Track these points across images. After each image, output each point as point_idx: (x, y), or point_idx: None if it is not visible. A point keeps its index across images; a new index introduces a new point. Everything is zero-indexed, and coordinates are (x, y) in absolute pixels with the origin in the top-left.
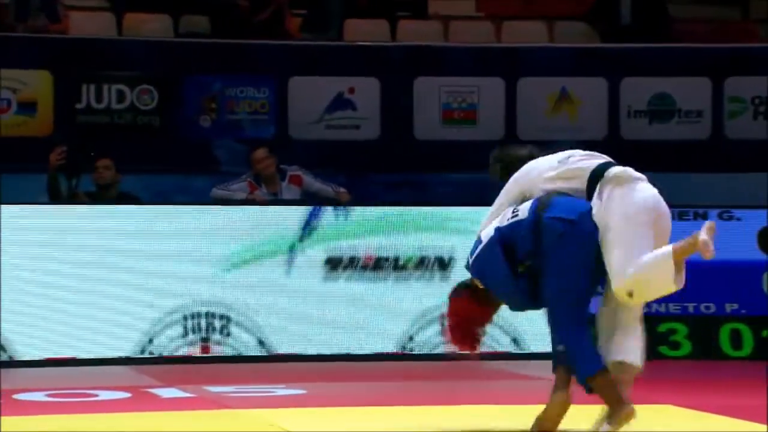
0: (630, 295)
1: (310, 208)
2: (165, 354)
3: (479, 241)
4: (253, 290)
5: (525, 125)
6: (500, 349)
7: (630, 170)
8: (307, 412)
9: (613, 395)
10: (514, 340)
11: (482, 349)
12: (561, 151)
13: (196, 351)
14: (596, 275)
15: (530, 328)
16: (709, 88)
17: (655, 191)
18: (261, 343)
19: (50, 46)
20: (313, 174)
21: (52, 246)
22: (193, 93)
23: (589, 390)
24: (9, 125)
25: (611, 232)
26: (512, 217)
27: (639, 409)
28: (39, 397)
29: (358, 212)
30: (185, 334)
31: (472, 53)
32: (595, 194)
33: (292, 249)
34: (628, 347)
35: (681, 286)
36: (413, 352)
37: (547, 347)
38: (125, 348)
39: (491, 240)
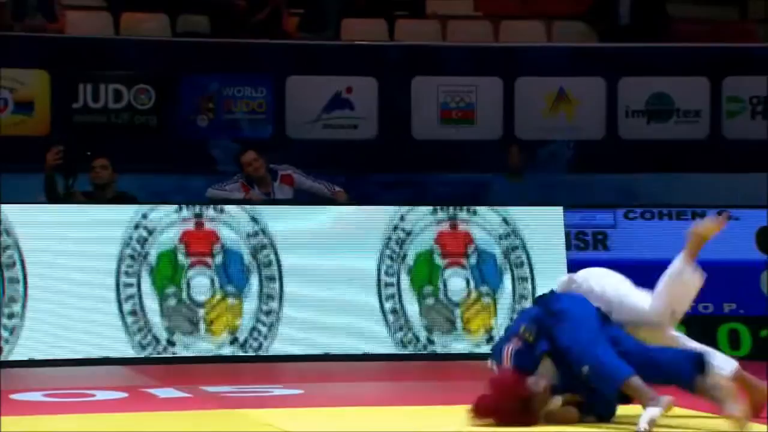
0: (674, 314)
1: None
2: (162, 354)
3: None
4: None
5: (523, 125)
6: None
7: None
8: (305, 412)
9: (647, 394)
10: None
11: None
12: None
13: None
14: (604, 320)
15: None
16: (707, 87)
17: None
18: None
19: (47, 46)
20: (310, 173)
21: (49, 245)
22: (190, 92)
23: (624, 399)
24: (6, 124)
25: (608, 290)
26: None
27: (636, 410)
28: (36, 397)
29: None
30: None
31: (469, 53)
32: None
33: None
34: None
35: (702, 275)
36: (412, 353)
37: None
38: (122, 348)
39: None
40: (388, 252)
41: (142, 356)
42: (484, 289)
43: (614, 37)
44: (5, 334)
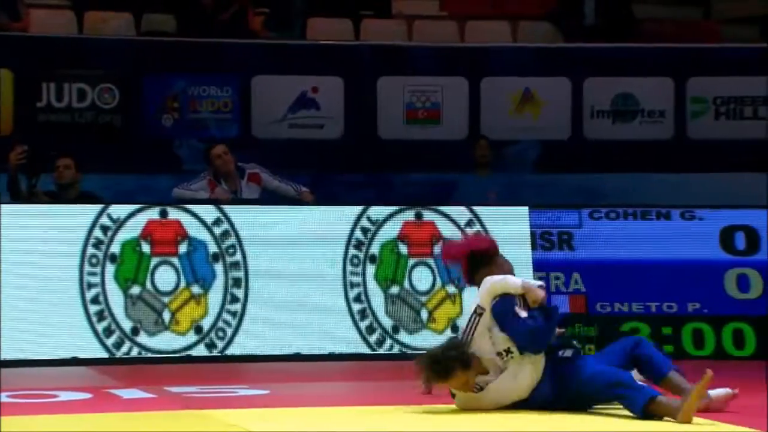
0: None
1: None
2: (128, 353)
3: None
4: None
5: (488, 125)
6: None
7: None
8: (271, 412)
9: (671, 405)
10: None
11: None
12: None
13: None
14: None
15: None
16: (671, 88)
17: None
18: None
19: (11, 45)
20: (276, 173)
21: (11, 245)
22: (156, 92)
23: (649, 416)
24: None
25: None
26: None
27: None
28: (1, 398)
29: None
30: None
31: (435, 53)
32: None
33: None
34: None
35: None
36: (380, 352)
37: None
38: (87, 347)
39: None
40: (353, 252)
41: (107, 356)
42: (451, 289)
43: (579, 37)
44: None
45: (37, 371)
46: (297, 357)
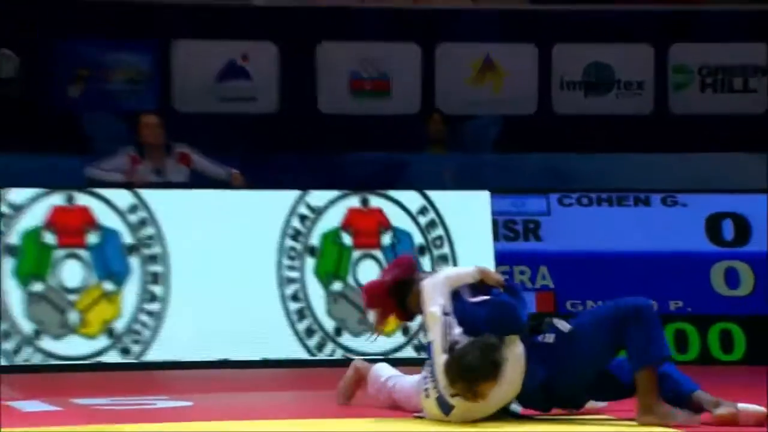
0: None
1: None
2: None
3: None
4: None
5: (444, 97)
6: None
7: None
8: (193, 427)
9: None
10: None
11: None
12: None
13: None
14: None
15: None
16: (651, 56)
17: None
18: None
19: None
20: (199, 153)
21: None
22: (61, 59)
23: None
24: None
25: None
26: None
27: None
28: None
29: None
30: None
31: (384, 15)
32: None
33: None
34: None
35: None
36: (320, 357)
37: None
38: None
39: None
40: (290, 243)
41: (5, 364)
42: None
43: None
44: None
45: None
46: (225, 364)
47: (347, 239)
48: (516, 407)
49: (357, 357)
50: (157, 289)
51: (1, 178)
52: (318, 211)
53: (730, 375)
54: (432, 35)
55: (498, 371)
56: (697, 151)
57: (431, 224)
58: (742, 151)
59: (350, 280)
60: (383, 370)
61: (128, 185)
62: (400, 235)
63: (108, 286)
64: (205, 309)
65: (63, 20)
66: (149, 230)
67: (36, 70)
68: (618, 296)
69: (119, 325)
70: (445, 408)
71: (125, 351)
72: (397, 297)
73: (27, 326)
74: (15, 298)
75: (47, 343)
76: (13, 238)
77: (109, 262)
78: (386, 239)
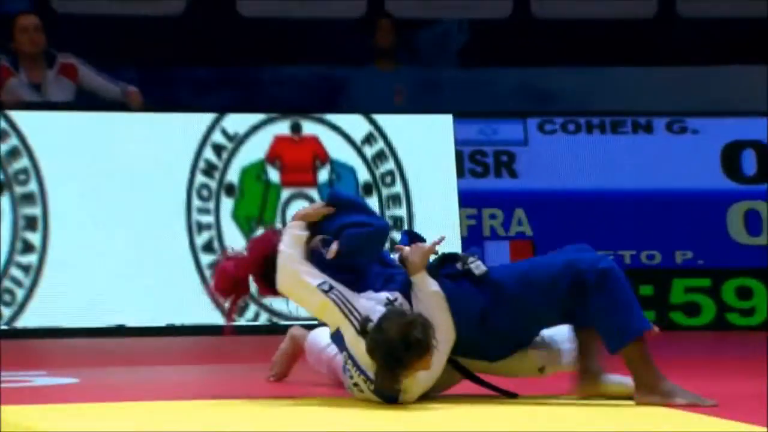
0: None
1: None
2: None
3: None
4: None
5: None
6: None
7: None
8: (76, 409)
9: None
10: None
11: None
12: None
13: None
14: None
15: None
16: None
17: None
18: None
19: None
20: (92, 67)
21: None
22: None
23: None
24: None
25: None
26: None
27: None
28: None
29: None
30: None
31: None
32: None
33: None
34: None
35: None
36: (240, 323)
37: None
38: None
39: None
40: (202, 180)
41: None
42: None
43: None
44: None
45: None
46: (120, 331)
47: (274, 175)
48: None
49: (287, 322)
50: (32, 237)
51: None
52: (237, 140)
53: (750, 343)
54: None
55: (430, 339)
56: (712, 64)
57: (380, 156)
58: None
59: (278, 226)
60: (322, 335)
61: None
62: (340, 169)
63: None
64: (94, 262)
65: None
66: (22, 162)
67: None
68: (613, 246)
69: None
70: (391, 398)
71: None
72: (263, 274)
73: None
74: None
75: None
76: None
77: None
78: (323, 175)
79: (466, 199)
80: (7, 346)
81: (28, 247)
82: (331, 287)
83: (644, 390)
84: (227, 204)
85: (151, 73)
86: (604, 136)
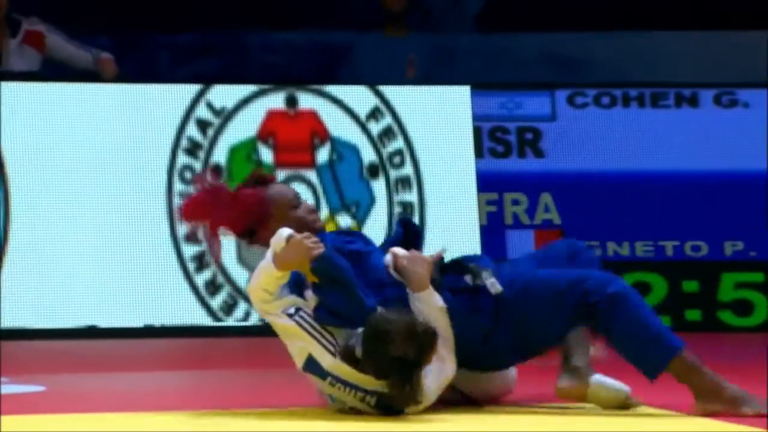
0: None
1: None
2: None
3: None
4: None
5: None
6: None
7: None
8: (45, 421)
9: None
10: None
11: None
12: None
13: None
14: None
15: None
16: None
17: None
18: None
19: None
20: (63, 33)
21: None
22: None
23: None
24: None
25: None
26: None
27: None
28: None
29: None
30: None
31: None
32: None
33: None
34: None
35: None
36: (228, 323)
37: None
38: None
39: None
40: (185, 160)
41: None
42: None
43: None
44: None
45: None
46: (91, 333)
47: (267, 155)
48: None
49: None
50: None
51: None
52: (224, 115)
53: None
54: None
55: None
56: (764, 27)
57: (387, 133)
58: None
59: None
60: None
61: None
62: (341, 149)
63: None
64: (62, 255)
65: None
66: None
67: None
68: (653, 236)
69: None
70: (395, 409)
71: None
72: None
73: None
74: None
75: None
76: None
77: None
78: (323, 155)
79: (485, 182)
80: None
81: None
82: (297, 310)
83: (705, 397)
84: None
85: (127, 39)
86: (643, 111)
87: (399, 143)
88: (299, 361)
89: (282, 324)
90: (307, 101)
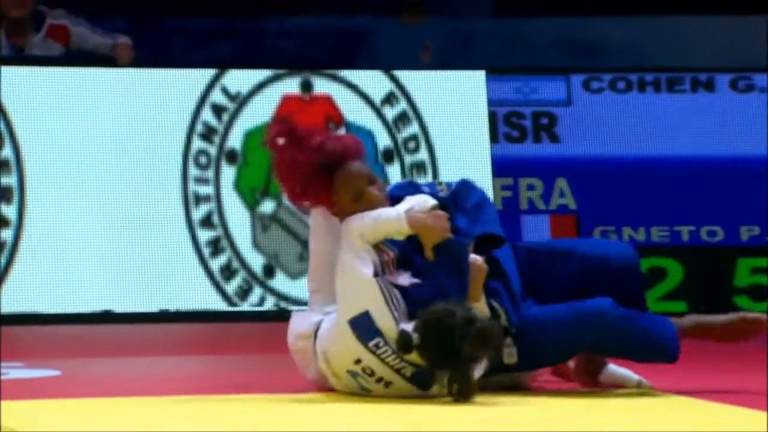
0: None
1: None
2: None
3: None
4: None
5: None
6: None
7: None
8: (61, 406)
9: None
10: None
11: None
12: None
13: None
14: None
15: None
16: None
17: None
18: None
19: None
20: (85, 21)
21: None
22: None
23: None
24: None
25: None
26: None
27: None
28: None
29: None
30: None
31: None
32: None
33: None
34: None
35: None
36: (243, 308)
37: None
38: None
39: None
40: (200, 145)
41: None
42: None
43: None
44: None
45: None
46: (107, 317)
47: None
48: None
49: (297, 308)
50: (6, 211)
51: None
52: (239, 100)
53: None
54: None
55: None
56: None
57: (402, 118)
58: None
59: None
60: (306, 323)
61: None
62: (356, 133)
63: None
64: (78, 240)
65: None
66: None
67: None
68: (669, 221)
69: None
70: (426, 383)
71: None
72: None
73: None
74: None
75: None
76: None
77: None
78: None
79: (500, 167)
80: None
81: (1, 222)
82: (377, 273)
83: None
84: (228, 173)
85: (142, 23)
86: (659, 95)
87: (414, 128)
88: (349, 312)
89: (357, 268)
90: (322, 86)
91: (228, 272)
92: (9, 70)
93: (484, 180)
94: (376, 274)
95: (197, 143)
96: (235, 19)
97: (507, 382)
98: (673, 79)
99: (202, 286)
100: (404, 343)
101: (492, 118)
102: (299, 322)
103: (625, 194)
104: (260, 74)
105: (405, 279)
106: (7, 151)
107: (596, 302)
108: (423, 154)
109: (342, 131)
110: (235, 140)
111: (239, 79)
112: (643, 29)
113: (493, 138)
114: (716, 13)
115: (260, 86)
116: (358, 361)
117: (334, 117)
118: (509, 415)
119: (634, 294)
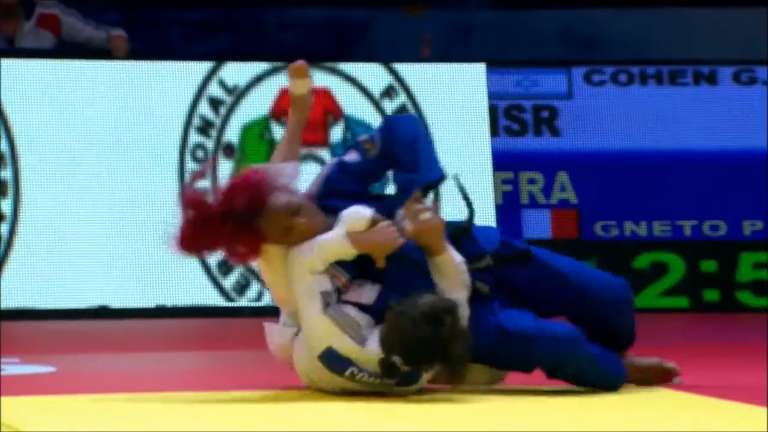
0: None
1: None
2: None
3: None
4: None
5: None
6: None
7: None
8: (55, 402)
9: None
10: None
11: None
12: None
13: None
14: None
15: None
16: None
17: None
18: None
19: None
20: (77, 12)
21: None
22: None
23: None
24: None
25: None
26: None
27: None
28: None
29: None
30: None
31: None
32: None
33: None
34: None
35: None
36: (240, 304)
37: None
38: None
39: None
40: (197, 139)
41: None
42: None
43: None
44: None
45: None
46: (103, 313)
47: (279, 133)
48: None
49: None
50: (1, 205)
51: None
52: (237, 93)
53: None
54: None
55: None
56: None
57: (401, 112)
58: None
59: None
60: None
61: None
62: (355, 127)
63: None
64: (74, 234)
65: None
66: None
67: None
68: (671, 215)
69: None
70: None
71: None
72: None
73: None
74: None
75: None
76: None
77: None
78: (336, 133)
79: (500, 161)
80: None
81: None
82: (328, 303)
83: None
84: (226, 166)
85: (138, 15)
86: (661, 88)
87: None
88: (315, 350)
89: (307, 308)
90: (321, 79)
91: (225, 267)
92: (4, 63)
93: (484, 174)
94: (327, 304)
95: (194, 137)
96: (232, 11)
97: (485, 379)
98: (676, 72)
99: (200, 281)
100: (390, 371)
101: (492, 111)
102: (278, 336)
103: (627, 188)
104: (258, 67)
105: (366, 294)
106: (2, 145)
107: (566, 329)
108: None
109: (341, 125)
110: (232, 134)
111: (237, 72)
112: (645, 21)
113: (494, 131)
114: (719, 5)
115: (258, 79)
116: (342, 386)
117: (333, 110)
118: (509, 415)
119: (620, 337)
